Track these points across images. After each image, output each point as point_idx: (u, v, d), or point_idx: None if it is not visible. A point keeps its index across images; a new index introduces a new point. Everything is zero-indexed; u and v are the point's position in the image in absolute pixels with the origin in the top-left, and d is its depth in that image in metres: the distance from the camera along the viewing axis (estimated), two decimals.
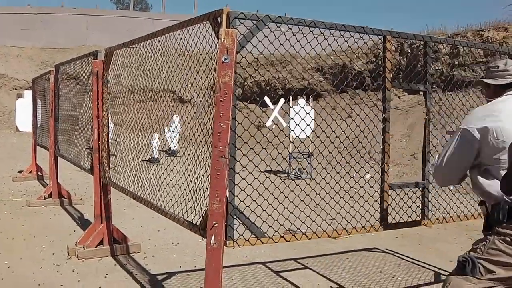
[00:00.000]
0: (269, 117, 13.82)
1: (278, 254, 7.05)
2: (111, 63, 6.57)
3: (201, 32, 4.09)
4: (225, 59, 3.52)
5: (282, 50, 4.11)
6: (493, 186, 3.17)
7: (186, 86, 4.49)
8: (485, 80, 3.51)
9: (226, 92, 3.52)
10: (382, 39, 4.54)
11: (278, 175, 12.16)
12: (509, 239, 3.03)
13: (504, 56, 5.42)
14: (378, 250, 7.51)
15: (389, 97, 4.54)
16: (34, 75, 14.26)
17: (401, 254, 7.28)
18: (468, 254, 3.22)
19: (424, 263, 6.77)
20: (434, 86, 16.97)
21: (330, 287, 5.87)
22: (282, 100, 13.87)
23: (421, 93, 5.13)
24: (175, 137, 17.18)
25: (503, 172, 3.05)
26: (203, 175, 4.05)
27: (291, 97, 12.72)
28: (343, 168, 4.60)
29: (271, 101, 13.77)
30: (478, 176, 3.27)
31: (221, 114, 3.51)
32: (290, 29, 3.98)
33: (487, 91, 3.53)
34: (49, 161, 10.74)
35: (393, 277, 6.25)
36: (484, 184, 3.23)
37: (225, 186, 3.53)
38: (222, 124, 3.51)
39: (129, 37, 6.13)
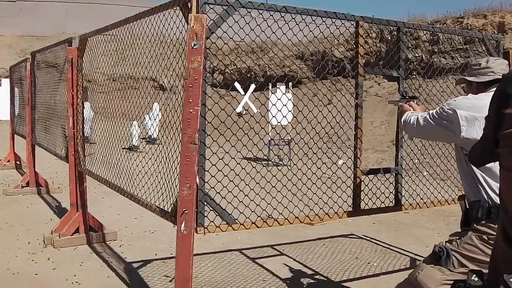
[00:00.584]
0: (239, 103, 13.77)
1: (255, 241, 7.06)
2: (90, 50, 6.50)
3: (172, 17, 4.07)
4: (195, 45, 3.50)
5: (262, 36, 4.09)
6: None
7: (162, 73, 4.45)
8: (468, 78, 3.52)
9: (196, 78, 3.49)
10: (354, 24, 4.52)
11: (259, 161, 12.17)
12: (486, 237, 3.06)
13: (483, 42, 5.42)
14: (355, 236, 7.54)
15: (362, 83, 4.53)
16: (13, 63, 14.13)
17: (377, 240, 7.32)
18: (444, 244, 3.24)
19: (401, 249, 6.81)
20: (414, 73, 17.10)
21: (306, 273, 5.88)
22: (252, 86, 13.84)
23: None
24: (155, 124, 17.10)
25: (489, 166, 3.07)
26: (173, 162, 4.03)
27: (270, 84, 12.69)
28: (325, 153, 4.59)
29: (252, 88, 13.73)
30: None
31: (191, 100, 3.49)
32: (261, 14, 3.95)
33: (469, 88, 3.54)
34: (26, 149, 10.66)
35: (369, 263, 6.28)
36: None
37: (195, 172, 3.51)
38: (191, 110, 3.49)
39: None
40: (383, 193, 4.74)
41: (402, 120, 3.74)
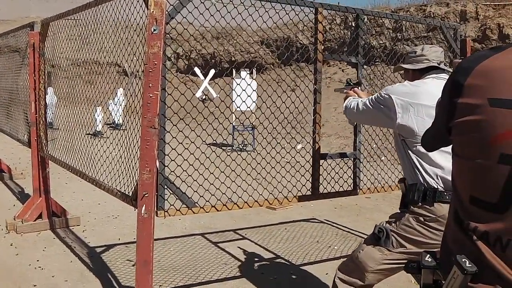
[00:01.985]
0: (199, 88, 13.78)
1: (217, 225, 7.14)
2: (53, 35, 6.46)
3: (132, 3, 4.09)
4: (154, 30, 3.53)
5: (222, 22, 4.14)
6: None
7: (128, 57, 4.47)
8: (403, 66, 3.61)
9: (155, 62, 3.53)
10: (314, 11, 4.59)
11: (222, 147, 12.21)
12: (422, 219, 3.16)
13: (441, 30, 5.54)
14: (316, 221, 7.66)
15: (320, 69, 4.60)
16: None
17: (338, 224, 7.44)
18: (384, 225, 3.34)
19: (361, 232, 6.93)
20: (378, 59, 17.24)
21: (267, 257, 5.98)
22: (212, 71, 13.86)
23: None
24: (118, 110, 17.02)
25: (424, 152, 3.17)
26: (134, 147, 4.07)
27: (234, 70, 12.73)
28: (283, 138, 4.67)
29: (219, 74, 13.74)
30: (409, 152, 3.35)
31: (150, 85, 3.53)
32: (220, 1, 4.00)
33: (406, 75, 3.64)
34: None
35: (329, 247, 6.39)
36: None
37: (155, 156, 3.56)
38: (151, 95, 3.53)
39: None
40: (341, 177, 4.83)
41: (344, 105, 3.84)
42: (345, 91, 4.08)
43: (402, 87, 3.39)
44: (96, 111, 15.86)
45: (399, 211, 3.35)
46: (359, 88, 4.07)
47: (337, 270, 3.55)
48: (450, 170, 3.05)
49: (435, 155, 3.13)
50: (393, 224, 3.32)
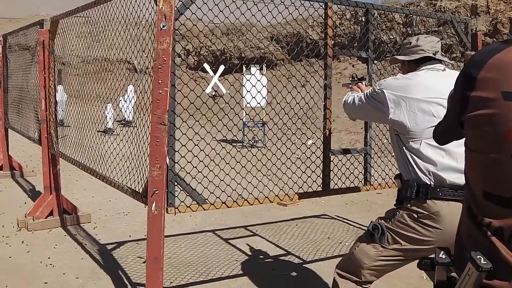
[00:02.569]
0: (208, 84, 13.77)
1: (228, 222, 7.13)
2: (63, 32, 6.47)
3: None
4: (163, 26, 3.52)
5: (231, 18, 4.14)
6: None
7: (138, 54, 4.47)
8: (398, 57, 3.55)
9: (165, 59, 3.52)
10: (323, 6, 4.57)
11: (233, 144, 12.21)
12: (415, 216, 3.12)
13: (451, 24, 5.50)
14: (327, 217, 7.64)
15: (331, 64, 4.59)
16: None
17: (349, 221, 7.42)
18: (379, 221, 3.31)
19: None
20: (388, 54, 17.16)
21: (278, 253, 5.96)
22: (222, 67, 13.86)
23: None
24: (130, 107, 17.03)
25: (417, 148, 3.14)
26: (144, 143, 4.06)
27: (244, 66, 12.71)
28: (294, 134, 4.64)
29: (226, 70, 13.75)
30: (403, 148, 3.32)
31: (160, 81, 3.52)
32: None
33: (402, 67, 3.58)
34: None
35: (340, 243, 6.37)
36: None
37: (164, 153, 3.55)
38: (161, 91, 3.52)
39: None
40: (352, 173, 4.81)
41: (343, 100, 3.81)
42: (350, 86, 4.05)
43: (395, 80, 3.35)
44: (106, 108, 15.88)
45: (394, 208, 3.33)
46: (363, 83, 4.03)
47: (335, 267, 3.53)
48: (442, 166, 3.06)
49: (427, 151, 3.10)
50: (387, 220, 3.29)
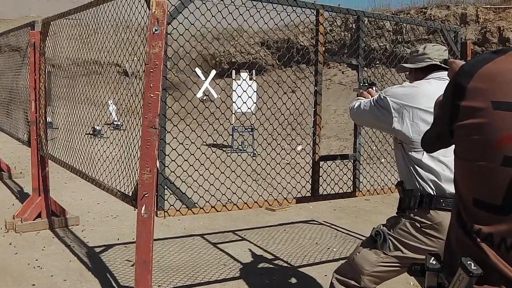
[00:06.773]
0: (199, 88, 13.75)
1: (217, 226, 7.14)
2: (54, 34, 6.47)
3: (134, 3, 4.09)
4: (156, 30, 3.54)
5: (223, 23, 4.15)
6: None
7: (129, 58, 4.48)
8: (405, 65, 3.55)
9: (157, 63, 3.54)
10: (315, 12, 4.60)
11: (223, 148, 12.21)
12: (418, 225, 3.14)
13: (441, 32, 5.55)
14: (315, 222, 7.66)
15: (321, 70, 4.62)
16: None
17: (337, 226, 7.45)
18: (381, 228, 3.32)
19: (360, 234, 6.93)
20: (378, 62, 17.24)
21: (266, 258, 5.98)
22: (213, 72, 13.86)
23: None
24: (119, 110, 16.89)
25: (419, 158, 3.16)
26: (135, 146, 4.07)
27: (234, 71, 12.72)
28: (284, 139, 4.66)
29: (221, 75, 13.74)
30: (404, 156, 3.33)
31: (151, 85, 3.54)
32: (222, 0, 4.01)
33: (410, 76, 3.59)
34: None
35: (328, 248, 6.40)
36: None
37: (155, 156, 3.57)
38: (152, 95, 3.54)
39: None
40: (341, 179, 4.83)
41: (349, 105, 3.81)
42: (360, 91, 4.02)
43: (401, 88, 3.35)
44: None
45: (396, 215, 3.34)
46: (374, 88, 3.98)
47: (334, 272, 3.54)
48: (443, 176, 3.07)
49: (428, 161, 3.11)
50: (390, 228, 3.29)
